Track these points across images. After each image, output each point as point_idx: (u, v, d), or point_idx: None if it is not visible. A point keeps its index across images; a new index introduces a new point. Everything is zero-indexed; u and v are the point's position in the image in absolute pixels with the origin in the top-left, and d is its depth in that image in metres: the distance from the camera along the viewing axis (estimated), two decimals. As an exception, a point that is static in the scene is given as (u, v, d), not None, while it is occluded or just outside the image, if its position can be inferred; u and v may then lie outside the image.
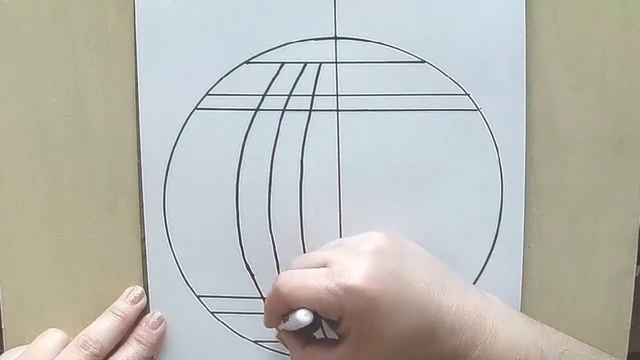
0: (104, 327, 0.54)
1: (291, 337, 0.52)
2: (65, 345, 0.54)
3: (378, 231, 0.51)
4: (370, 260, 0.48)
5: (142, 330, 0.55)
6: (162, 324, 0.56)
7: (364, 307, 0.46)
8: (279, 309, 0.50)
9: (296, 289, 0.48)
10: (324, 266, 0.49)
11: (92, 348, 0.52)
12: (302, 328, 0.49)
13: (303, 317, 0.48)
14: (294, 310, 0.49)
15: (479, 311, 0.49)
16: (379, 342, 0.47)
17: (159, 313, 0.56)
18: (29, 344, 0.55)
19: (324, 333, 0.53)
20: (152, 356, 0.56)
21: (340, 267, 0.48)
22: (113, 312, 0.55)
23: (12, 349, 0.56)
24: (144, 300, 0.56)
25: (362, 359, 0.48)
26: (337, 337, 0.50)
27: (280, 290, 0.49)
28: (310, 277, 0.48)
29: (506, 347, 0.48)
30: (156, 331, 0.55)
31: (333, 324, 0.49)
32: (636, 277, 0.56)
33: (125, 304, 0.55)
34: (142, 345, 0.54)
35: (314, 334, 0.52)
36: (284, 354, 0.57)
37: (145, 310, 0.56)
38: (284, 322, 0.50)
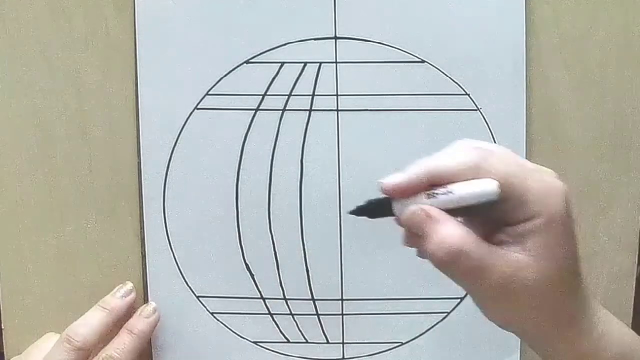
0: (87, 320, 0.53)
1: (447, 215, 0.41)
2: None
3: None
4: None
5: (133, 320, 0.55)
6: (156, 314, 0.56)
7: (565, 209, 0.40)
8: (462, 173, 0.40)
9: (517, 167, 0.40)
10: None
11: (75, 342, 0.52)
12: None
13: (495, 186, 0.39)
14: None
15: (592, 300, 0.45)
16: (558, 254, 0.41)
17: (154, 304, 0.56)
18: (29, 344, 0.56)
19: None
20: (153, 352, 0.57)
21: (539, 169, 0.42)
22: (99, 306, 0.54)
23: (13, 358, 0.56)
24: (133, 295, 0.56)
25: (526, 269, 0.41)
26: None
27: (495, 169, 0.40)
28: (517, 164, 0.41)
29: (620, 335, 0.45)
30: (148, 320, 0.55)
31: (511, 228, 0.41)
32: (636, 277, 0.56)
33: (112, 298, 0.55)
34: (132, 335, 0.54)
35: None
36: (284, 354, 0.57)
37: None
38: (433, 196, 0.40)
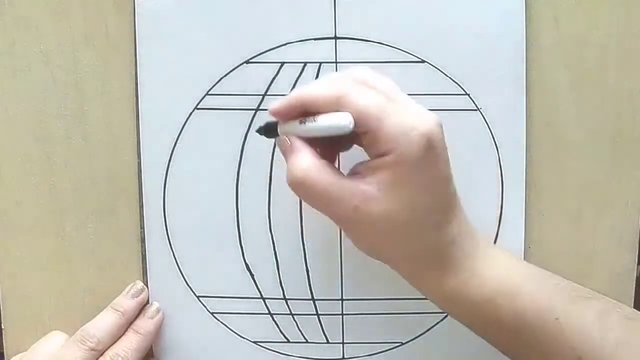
0: (102, 322, 0.54)
1: (307, 145, 0.45)
2: None
3: None
4: (439, 128, 0.45)
5: (139, 320, 0.55)
6: (160, 313, 0.56)
7: (420, 155, 0.43)
8: (327, 104, 0.44)
9: (374, 107, 0.43)
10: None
11: (89, 342, 0.52)
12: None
13: (347, 121, 0.43)
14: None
15: (475, 237, 0.48)
16: (406, 195, 0.44)
17: (157, 304, 0.56)
18: (29, 344, 0.56)
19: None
20: (154, 352, 0.57)
21: (411, 108, 0.44)
22: (113, 308, 0.55)
23: (15, 356, 0.56)
24: (144, 294, 0.56)
25: (371, 202, 0.44)
26: None
27: (350, 106, 0.43)
28: (382, 98, 0.44)
29: (499, 273, 0.47)
30: (153, 320, 0.55)
31: (365, 161, 0.46)
32: (636, 277, 0.56)
33: (125, 299, 0.55)
34: (138, 335, 0.54)
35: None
36: (284, 354, 0.57)
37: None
38: (303, 123, 0.45)
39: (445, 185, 0.46)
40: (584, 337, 0.45)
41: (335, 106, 0.44)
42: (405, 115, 0.44)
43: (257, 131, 0.48)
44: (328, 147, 0.47)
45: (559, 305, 0.46)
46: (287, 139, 0.46)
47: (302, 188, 0.45)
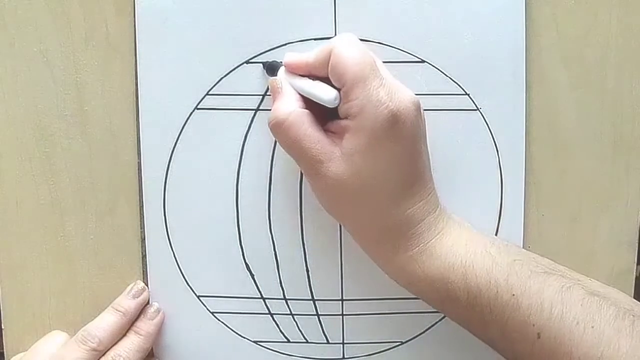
0: (103, 322, 0.54)
1: (295, 92, 0.50)
2: None
3: None
4: (415, 108, 0.48)
5: (140, 322, 0.55)
6: (160, 314, 0.56)
7: (382, 131, 0.46)
8: (318, 67, 0.49)
9: (356, 69, 0.47)
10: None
11: (90, 343, 0.52)
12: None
13: (333, 97, 0.48)
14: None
15: (436, 215, 0.49)
16: (366, 165, 0.47)
17: (157, 304, 0.56)
18: (29, 344, 0.56)
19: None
20: (154, 352, 0.57)
21: (392, 86, 0.47)
22: (114, 308, 0.55)
23: (16, 356, 0.56)
24: (145, 294, 0.56)
25: (331, 164, 0.48)
26: None
27: (335, 53, 0.48)
28: (367, 67, 0.47)
29: (450, 249, 0.48)
30: (153, 321, 0.56)
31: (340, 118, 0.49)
32: (636, 277, 0.56)
33: (126, 300, 0.55)
34: (139, 336, 0.55)
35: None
36: (284, 354, 0.57)
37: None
38: (304, 78, 0.50)
39: (408, 162, 0.48)
40: (543, 314, 0.45)
41: (324, 71, 0.48)
42: (380, 87, 0.46)
43: (263, 64, 0.53)
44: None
45: (516, 281, 0.46)
46: (280, 81, 0.50)
47: (280, 131, 0.49)
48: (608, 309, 0.45)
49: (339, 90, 0.48)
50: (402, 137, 0.47)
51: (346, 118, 0.48)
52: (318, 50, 0.49)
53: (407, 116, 0.46)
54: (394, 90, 0.47)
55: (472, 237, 0.49)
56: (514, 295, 0.46)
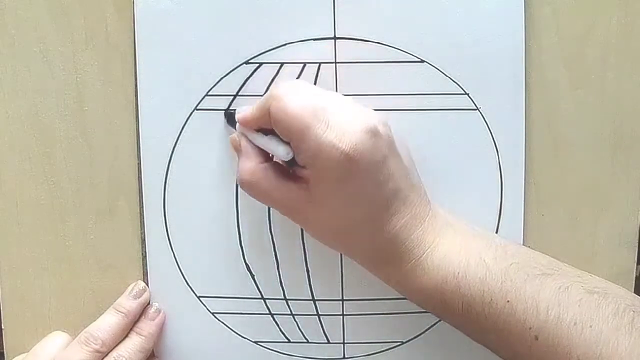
0: (106, 323, 0.54)
1: (254, 148, 0.50)
2: None
3: None
4: (366, 136, 0.46)
5: (141, 322, 0.55)
6: (160, 314, 0.56)
7: (339, 174, 0.46)
8: (264, 120, 0.48)
9: (286, 120, 0.46)
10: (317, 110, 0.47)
11: (93, 344, 0.53)
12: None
13: (285, 153, 0.48)
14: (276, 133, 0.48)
15: (425, 226, 0.49)
16: (332, 207, 0.48)
17: (157, 304, 0.56)
18: (29, 344, 0.56)
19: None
20: (155, 352, 0.57)
21: (337, 123, 0.46)
22: (115, 309, 0.55)
23: (16, 357, 0.56)
24: (146, 294, 0.56)
25: (305, 211, 0.49)
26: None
27: (272, 107, 0.47)
28: (306, 112, 0.46)
29: (444, 261, 0.48)
30: (154, 321, 0.56)
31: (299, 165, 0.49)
32: (636, 277, 0.56)
33: (127, 300, 0.55)
34: (141, 337, 0.55)
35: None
36: (285, 354, 0.57)
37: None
38: (258, 133, 0.50)
39: (377, 188, 0.47)
40: (539, 317, 0.45)
41: (267, 108, 0.47)
42: (328, 131, 0.45)
43: (224, 113, 0.53)
44: None
45: (510, 287, 0.46)
46: (237, 138, 0.51)
47: (248, 189, 0.50)
48: (607, 307, 0.45)
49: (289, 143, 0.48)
50: (365, 170, 0.46)
51: (302, 167, 0.48)
52: (259, 104, 0.49)
53: (363, 150, 0.45)
54: (343, 127, 0.46)
55: (466, 242, 0.49)
56: (508, 301, 0.46)
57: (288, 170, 0.50)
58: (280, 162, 0.50)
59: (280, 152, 0.48)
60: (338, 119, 0.46)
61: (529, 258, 0.49)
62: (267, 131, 0.49)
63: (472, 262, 0.48)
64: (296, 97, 0.46)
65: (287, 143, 0.47)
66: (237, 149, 0.51)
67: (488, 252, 0.48)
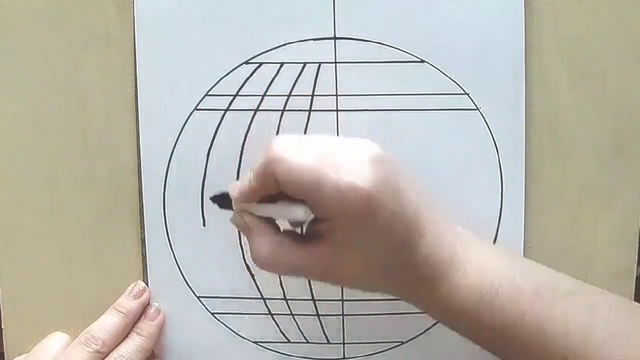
0: (106, 324, 0.54)
1: (261, 222, 0.47)
2: None
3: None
4: (376, 166, 0.44)
5: (141, 323, 0.56)
6: (160, 314, 0.56)
7: (364, 214, 0.43)
8: (268, 187, 0.45)
9: (297, 171, 0.43)
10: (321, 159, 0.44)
11: (94, 345, 0.53)
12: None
13: (303, 214, 0.44)
14: (284, 197, 0.44)
15: (453, 244, 0.48)
16: (362, 250, 0.45)
17: (157, 304, 0.56)
18: (29, 344, 0.56)
19: (301, 228, 0.50)
20: (155, 352, 0.57)
21: (346, 163, 0.43)
22: (115, 309, 0.55)
23: (17, 358, 0.56)
24: (147, 295, 0.56)
25: (335, 265, 0.46)
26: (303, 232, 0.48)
27: (276, 164, 0.43)
28: (316, 159, 0.43)
29: (478, 280, 0.47)
30: (154, 322, 0.56)
31: (315, 221, 0.46)
32: (636, 277, 0.56)
33: (127, 300, 0.55)
34: (141, 337, 0.55)
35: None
36: (284, 354, 0.57)
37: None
38: (263, 204, 0.46)
39: (400, 218, 0.45)
40: (568, 338, 0.45)
41: (266, 173, 0.44)
42: (342, 175, 0.43)
43: (211, 199, 0.49)
44: None
45: (541, 306, 0.46)
46: (242, 218, 0.47)
47: (270, 268, 0.47)
48: (634, 325, 0.45)
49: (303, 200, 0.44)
50: (386, 199, 0.44)
51: (322, 221, 0.45)
52: (257, 174, 0.45)
53: (378, 181, 0.43)
54: (352, 165, 0.43)
55: (494, 260, 0.48)
56: (539, 321, 0.46)
57: (301, 234, 0.48)
58: (291, 227, 0.48)
59: (299, 215, 0.44)
60: (343, 159, 0.44)
61: (553, 276, 0.49)
62: (270, 198, 0.46)
63: (504, 282, 0.47)
64: (298, 153, 0.43)
65: (301, 201, 0.44)
66: (244, 229, 0.48)
67: (517, 271, 0.48)
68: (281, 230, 0.48)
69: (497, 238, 0.55)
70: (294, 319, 0.57)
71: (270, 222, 0.47)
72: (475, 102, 0.53)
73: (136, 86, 0.54)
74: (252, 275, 0.56)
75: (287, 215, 0.45)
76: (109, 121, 0.55)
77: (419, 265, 0.47)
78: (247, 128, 0.54)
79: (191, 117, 0.54)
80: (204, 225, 0.56)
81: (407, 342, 0.57)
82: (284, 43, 0.53)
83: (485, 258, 0.48)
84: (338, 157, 0.44)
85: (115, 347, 0.54)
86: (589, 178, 0.55)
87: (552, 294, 0.47)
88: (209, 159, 0.55)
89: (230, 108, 0.54)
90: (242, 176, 0.47)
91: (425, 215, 0.46)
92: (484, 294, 0.47)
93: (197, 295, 0.57)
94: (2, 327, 0.57)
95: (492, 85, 0.53)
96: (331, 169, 0.43)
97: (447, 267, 0.47)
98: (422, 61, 0.53)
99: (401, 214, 0.45)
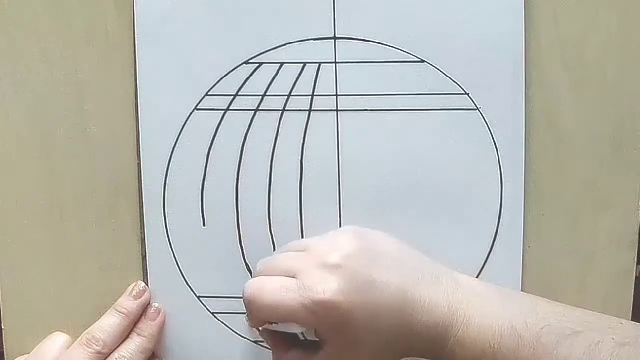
0: (107, 324, 0.54)
1: (276, 338, 0.52)
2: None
3: (346, 227, 0.53)
4: (341, 273, 0.47)
5: (141, 323, 0.56)
6: (161, 314, 0.56)
7: (340, 321, 0.47)
8: (258, 319, 0.50)
9: (268, 308, 0.48)
10: (292, 275, 0.49)
11: (95, 346, 0.53)
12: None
13: (297, 327, 0.49)
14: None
15: (450, 302, 0.48)
16: (358, 348, 0.48)
17: (157, 304, 0.56)
18: (29, 344, 0.56)
19: (304, 335, 0.52)
20: (155, 352, 0.57)
21: (311, 280, 0.47)
22: (116, 310, 0.55)
23: (18, 358, 0.56)
24: (147, 295, 0.56)
25: None
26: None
27: (253, 306, 0.49)
28: (282, 292, 0.48)
29: (480, 334, 0.47)
30: (155, 322, 0.56)
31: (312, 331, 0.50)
32: (636, 277, 0.56)
33: (128, 301, 0.55)
34: (142, 338, 0.55)
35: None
36: (284, 354, 0.57)
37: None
38: (270, 324, 0.50)
39: (383, 315, 0.47)
40: None
41: (262, 322, 0.50)
42: (305, 290, 0.47)
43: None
44: None
45: (543, 353, 0.46)
46: (264, 335, 0.53)
47: None
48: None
49: None
50: (364, 297, 0.47)
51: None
52: (250, 319, 0.51)
53: (346, 288, 0.47)
54: (316, 281, 0.47)
55: (496, 311, 0.48)
56: None
57: (305, 339, 0.52)
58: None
59: (295, 329, 0.49)
60: (305, 278, 0.48)
61: (560, 316, 0.48)
62: None
63: (504, 332, 0.47)
64: (265, 289, 0.48)
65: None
66: (270, 344, 0.53)
67: (519, 318, 0.48)
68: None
69: (497, 238, 0.55)
70: (294, 319, 0.57)
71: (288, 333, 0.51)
72: (475, 102, 0.53)
73: (136, 86, 0.54)
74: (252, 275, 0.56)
75: (287, 330, 0.49)
76: (109, 121, 0.55)
77: (420, 331, 0.48)
78: (247, 128, 0.54)
79: (191, 117, 0.54)
80: (204, 225, 0.56)
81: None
82: (284, 43, 0.53)
83: (487, 312, 0.48)
84: (301, 277, 0.48)
85: (117, 347, 0.54)
86: (589, 178, 0.55)
87: (555, 338, 0.46)
88: (209, 159, 0.55)
89: (231, 108, 0.54)
90: None
91: (410, 297, 0.48)
92: (487, 348, 0.47)
93: (198, 295, 0.57)
94: (2, 327, 0.57)
95: (492, 85, 0.53)
96: (294, 294, 0.47)
97: (447, 327, 0.48)
98: (422, 61, 0.53)
99: (383, 304, 0.47)
